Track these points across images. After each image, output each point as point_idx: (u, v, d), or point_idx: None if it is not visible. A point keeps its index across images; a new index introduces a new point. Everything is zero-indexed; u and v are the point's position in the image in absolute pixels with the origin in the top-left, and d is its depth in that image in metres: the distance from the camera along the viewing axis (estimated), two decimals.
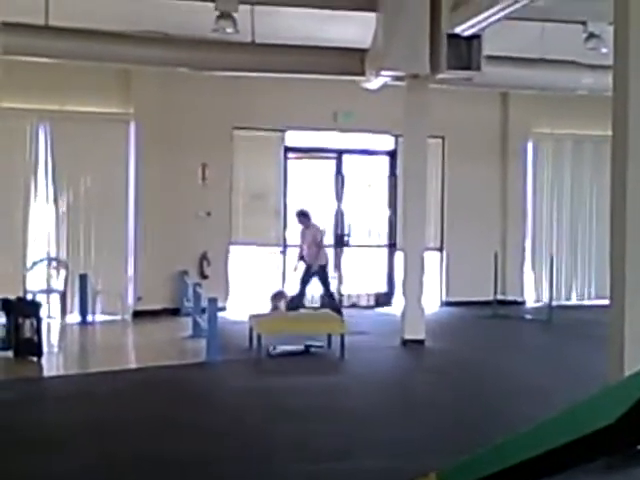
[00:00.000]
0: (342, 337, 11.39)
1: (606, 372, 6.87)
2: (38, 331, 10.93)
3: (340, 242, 16.60)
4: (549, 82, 14.10)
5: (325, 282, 14.52)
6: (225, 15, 11.60)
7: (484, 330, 14.32)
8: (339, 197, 16.61)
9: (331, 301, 14.59)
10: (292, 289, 14.74)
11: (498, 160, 17.21)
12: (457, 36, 11.12)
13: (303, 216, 14.48)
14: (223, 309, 14.31)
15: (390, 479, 5.86)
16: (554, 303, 15.48)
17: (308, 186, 16.61)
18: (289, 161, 16.30)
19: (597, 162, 16.89)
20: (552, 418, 4.29)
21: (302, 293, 14.45)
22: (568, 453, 4.19)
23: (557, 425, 4.22)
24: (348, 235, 16.63)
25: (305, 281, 14.39)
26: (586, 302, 17.31)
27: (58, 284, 14.57)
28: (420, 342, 12.22)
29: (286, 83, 14.33)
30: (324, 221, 16.56)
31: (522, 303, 17.01)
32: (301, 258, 14.43)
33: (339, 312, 13.61)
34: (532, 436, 4.44)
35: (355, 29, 12.87)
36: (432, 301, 15.81)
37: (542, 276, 17.20)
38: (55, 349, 12.36)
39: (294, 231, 16.12)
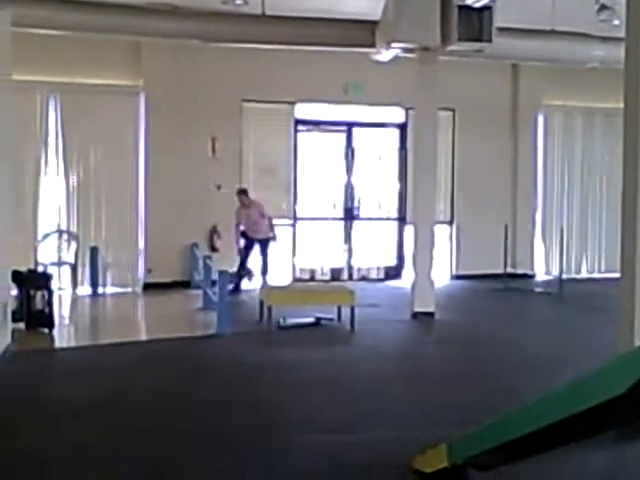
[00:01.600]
0: (352, 309, 11.42)
1: (616, 344, 6.88)
2: (49, 303, 11.00)
3: (350, 215, 16.60)
4: (560, 54, 14.04)
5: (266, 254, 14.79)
6: None
7: (494, 303, 14.34)
8: (349, 170, 16.59)
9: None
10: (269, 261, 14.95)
11: (508, 133, 17.16)
12: (468, 7, 11.07)
13: (244, 193, 14.74)
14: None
15: (401, 450, 5.89)
16: (564, 276, 15.49)
17: (318, 159, 16.58)
18: (299, 134, 16.27)
19: (608, 135, 16.86)
20: (562, 389, 4.31)
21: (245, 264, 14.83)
22: (578, 424, 4.21)
23: (567, 396, 4.24)
24: (358, 208, 16.63)
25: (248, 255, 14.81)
26: (596, 275, 17.32)
27: (69, 256, 14.63)
28: (430, 315, 12.25)
29: (296, 55, 14.28)
30: (334, 194, 16.59)
31: (532, 276, 17.02)
32: (243, 235, 14.75)
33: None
34: (542, 407, 4.47)
35: (366, 1, 12.81)
36: (442, 274, 15.82)
37: (552, 249, 17.21)
38: (66, 321, 12.43)
39: (303, 204, 16.20)
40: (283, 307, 11.69)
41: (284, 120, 16.00)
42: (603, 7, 12.21)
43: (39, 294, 10.98)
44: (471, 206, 16.63)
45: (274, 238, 14.81)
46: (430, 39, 11.65)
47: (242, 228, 14.64)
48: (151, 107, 14.80)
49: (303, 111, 16.15)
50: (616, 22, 11.70)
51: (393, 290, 15.27)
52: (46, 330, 10.89)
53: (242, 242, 14.70)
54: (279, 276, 15.43)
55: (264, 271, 14.65)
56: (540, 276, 17.13)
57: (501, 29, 11.74)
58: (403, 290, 14.03)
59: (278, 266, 15.67)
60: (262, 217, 14.62)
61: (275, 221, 15.04)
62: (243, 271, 14.69)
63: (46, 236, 14.63)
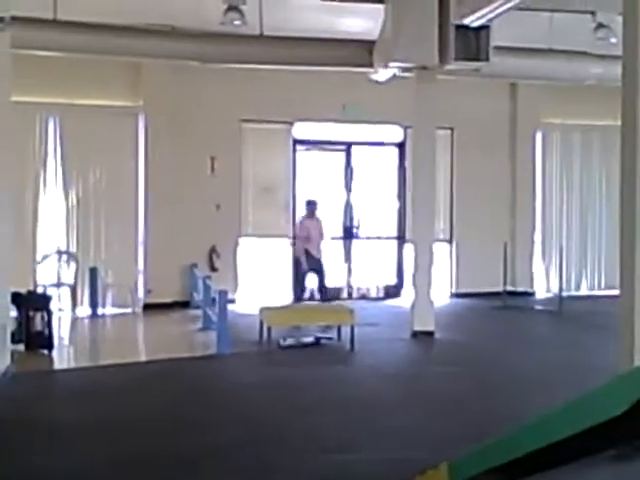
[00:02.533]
0: (352, 329, 11.41)
1: (616, 362, 6.87)
2: (49, 324, 10.99)
3: (349, 234, 16.60)
4: (558, 72, 14.08)
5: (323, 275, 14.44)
6: (233, 7, 11.64)
7: (494, 321, 14.32)
8: (348, 189, 16.61)
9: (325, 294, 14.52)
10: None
11: (507, 151, 17.19)
12: (465, 27, 11.12)
13: (313, 205, 14.47)
14: (233, 301, 14.31)
15: (400, 470, 5.85)
16: (564, 294, 15.47)
17: (317, 178, 16.60)
18: (297, 153, 16.30)
19: (606, 152, 16.86)
20: (563, 408, 4.30)
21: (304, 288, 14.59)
22: (578, 443, 4.20)
23: (567, 415, 4.23)
24: (357, 227, 16.63)
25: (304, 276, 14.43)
26: (596, 292, 17.28)
27: (68, 277, 14.61)
28: (430, 334, 12.23)
29: (294, 75, 14.33)
30: (333, 213, 16.60)
31: (532, 294, 17.01)
32: (306, 252, 14.26)
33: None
34: (542, 426, 4.46)
35: (363, 21, 12.87)
36: (442, 293, 15.80)
37: (552, 267, 17.20)
38: (66, 342, 12.41)
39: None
40: (283, 327, 11.68)
41: (283, 139, 16.03)
42: (600, 25, 12.26)
43: (38, 315, 10.97)
44: (470, 224, 16.63)
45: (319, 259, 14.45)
46: (428, 58, 11.68)
47: (305, 245, 14.25)
48: (150, 127, 14.83)
49: (302, 130, 16.19)
50: (613, 40, 11.76)
51: (393, 309, 15.27)
52: (45, 351, 10.87)
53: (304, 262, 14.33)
54: (279, 296, 15.41)
55: (321, 289, 14.44)
56: (540, 294, 17.11)
57: (498, 48, 11.78)
58: (403, 309, 14.02)
59: (277, 285, 15.68)
60: (320, 234, 14.39)
61: (273, 241, 15.12)
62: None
63: (45, 257, 14.62)
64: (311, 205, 14.33)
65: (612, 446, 4.79)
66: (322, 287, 14.44)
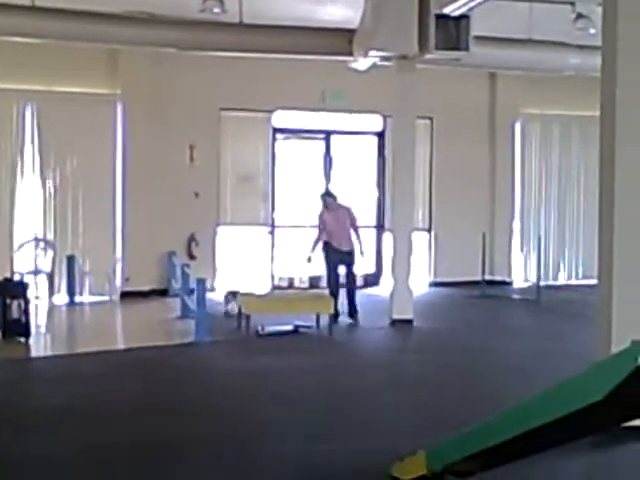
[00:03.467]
0: (330, 317, 11.41)
1: (594, 351, 6.91)
2: (26, 312, 10.92)
3: None
4: (537, 63, 14.11)
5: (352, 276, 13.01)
6: None
7: (472, 310, 14.36)
8: (327, 178, 16.59)
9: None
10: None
11: (486, 141, 17.22)
12: (445, 16, 11.12)
13: (325, 197, 13.30)
14: (211, 290, 14.29)
15: (379, 458, 5.87)
16: (542, 283, 15.56)
17: (296, 167, 16.58)
18: (277, 142, 16.27)
19: (585, 143, 16.95)
20: (540, 395, 4.33)
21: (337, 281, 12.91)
22: (555, 430, 4.23)
23: (545, 403, 4.26)
24: None
25: (334, 267, 12.87)
26: (574, 282, 17.38)
27: (45, 265, 14.54)
28: (409, 322, 12.25)
29: (274, 64, 14.27)
30: (312, 201, 16.57)
31: (510, 283, 17.08)
32: (326, 245, 12.88)
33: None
34: (520, 413, 4.48)
35: (343, 9, 12.85)
36: (420, 281, 15.83)
37: (530, 256, 17.27)
38: (43, 330, 12.35)
39: (281, 212, 16.18)
40: (261, 315, 11.67)
41: (262, 128, 15.99)
42: (580, 16, 12.29)
43: (15, 303, 10.90)
44: (449, 213, 16.67)
45: (361, 253, 12.99)
46: (408, 47, 11.68)
47: (325, 238, 12.89)
48: (129, 115, 14.75)
49: (281, 119, 16.15)
50: (592, 31, 11.79)
51: (371, 297, 15.26)
52: (22, 339, 10.81)
53: (323, 254, 12.94)
54: (257, 284, 15.40)
55: (350, 302, 12.76)
56: (518, 283, 17.19)
57: (478, 38, 11.79)
58: (381, 297, 14.03)
59: (256, 274, 15.67)
60: (349, 224, 12.89)
61: (252, 230, 14.92)
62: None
63: (23, 244, 14.54)
64: (323, 197, 13.25)
65: (589, 433, 4.83)
66: (350, 292, 12.86)
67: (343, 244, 12.71)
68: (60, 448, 6.42)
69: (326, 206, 13.07)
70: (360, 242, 12.85)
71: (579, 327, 11.37)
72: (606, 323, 6.84)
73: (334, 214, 12.87)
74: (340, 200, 13.28)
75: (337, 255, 12.72)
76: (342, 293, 12.69)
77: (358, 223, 13.03)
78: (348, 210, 13.06)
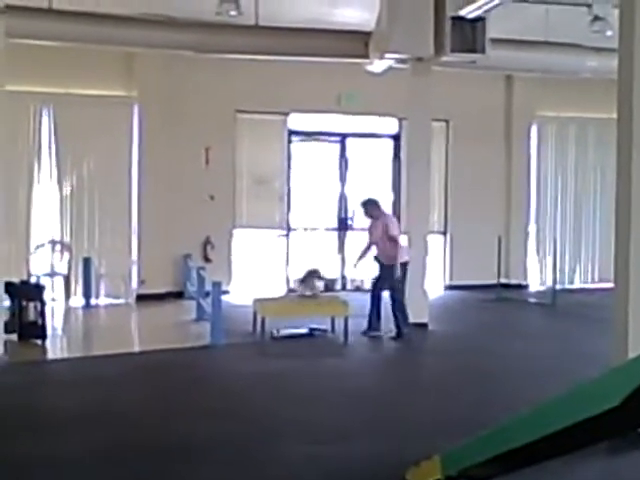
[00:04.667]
0: (346, 320, 11.40)
1: (610, 355, 6.88)
2: (42, 314, 10.96)
3: (344, 225, 16.59)
4: (553, 65, 14.07)
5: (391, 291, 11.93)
6: None
7: (488, 314, 14.32)
8: (343, 180, 16.59)
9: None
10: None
11: (502, 144, 17.16)
12: (461, 18, 11.11)
13: (363, 206, 12.18)
14: (226, 293, 14.29)
15: (395, 461, 5.86)
16: (558, 286, 15.48)
17: (312, 169, 16.58)
18: (292, 144, 16.28)
19: (601, 145, 16.87)
20: (555, 400, 4.30)
21: (376, 307, 12.02)
22: (571, 436, 4.20)
23: (561, 407, 4.23)
24: (352, 218, 16.60)
25: (378, 290, 12.06)
26: (590, 285, 17.30)
27: (62, 267, 14.58)
28: (424, 325, 12.22)
29: (289, 66, 14.29)
30: (328, 204, 16.58)
31: (526, 287, 17.01)
32: (376, 258, 11.99)
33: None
34: (535, 418, 4.46)
35: (359, 12, 12.84)
36: (436, 285, 15.79)
37: (546, 259, 17.20)
38: (59, 332, 12.38)
39: (297, 214, 16.19)
40: (277, 318, 11.67)
41: (278, 130, 15.99)
42: (596, 18, 12.24)
43: (32, 305, 10.94)
44: (465, 216, 16.62)
45: (397, 268, 11.63)
46: (423, 50, 11.67)
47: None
48: (145, 118, 14.77)
49: (297, 121, 16.15)
50: (609, 33, 11.73)
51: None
52: (39, 341, 10.85)
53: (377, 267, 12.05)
54: (272, 287, 15.40)
55: (395, 316, 11.76)
56: (534, 286, 17.12)
57: (494, 40, 11.77)
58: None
59: (271, 277, 15.69)
60: (386, 235, 11.72)
61: (267, 232, 14.84)
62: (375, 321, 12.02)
63: (39, 247, 14.58)
64: (362, 206, 12.21)
65: (606, 439, 4.79)
66: (394, 308, 11.84)
67: (380, 256, 11.90)
68: (74, 449, 6.45)
69: (367, 215, 12.14)
70: (397, 256, 11.64)
71: (595, 331, 11.31)
72: (622, 327, 6.81)
73: (373, 223, 11.99)
74: (383, 208, 12.31)
75: (380, 268, 11.99)
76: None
77: (393, 232, 11.73)
78: (377, 221, 11.91)
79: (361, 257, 12.21)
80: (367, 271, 13.21)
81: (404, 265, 11.78)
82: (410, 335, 11.56)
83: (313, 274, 12.34)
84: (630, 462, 6.33)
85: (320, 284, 12.31)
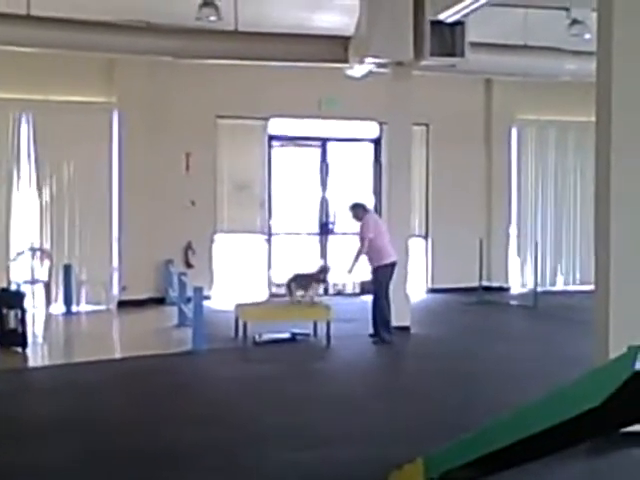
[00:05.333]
0: (328, 325, 11.40)
1: (592, 356, 6.90)
2: (22, 322, 10.89)
3: (325, 230, 16.60)
4: (532, 68, 14.13)
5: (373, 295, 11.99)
6: (208, 3, 11.59)
7: (470, 316, 14.36)
8: (324, 185, 16.60)
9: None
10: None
11: (482, 147, 17.22)
12: (441, 23, 11.11)
13: (354, 209, 12.12)
14: (208, 298, 14.28)
15: (377, 465, 5.86)
16: (539, 289, 15.53)
17: (293, 174, 16.58)
18: (273, 149, 16.28)
19: (581, 148, 16.97)
20: (537, 402, 4.31)
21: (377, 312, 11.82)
22: (553, 437, 4.21)
23: (542, 409, 4.24)
24: (333, 223, 16.62)
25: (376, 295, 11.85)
26: (571, 287, 17.37)
27: (42, 274, 14.51)
28: (406, 329, 12.23)
29: (269, 71, 14.30)
30: (309, 209, 16.58)
31: (507, 289, 17.06)
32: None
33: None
34: (517, 420, 4.47)
35: (339, 16, 12.86)
36: (418, 288, 15.83)
37: (527, 262, 17.26)
38: (40, 339, 12.30)
39: (278, 219, 16.19)
40: (259, 323, 11.65)
41: (258, 136, 16.00)
42: (575, 21, 12.31)
43: (12, 313, 10.88)
44: (446, 220, 16.66)
45: (376, 271, 11.74)
46: (403, 54, 11.70)
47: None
48: (125, 124, 14.74)
49: (277, 127, 16.15)
50: (587, 36, 11.81)
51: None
52: (19, 349, 10.77)
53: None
54: (254, 292, 15.39)
55: (374, 320, 11.79)
56: (515, 289, 17.18)
57: (474, 44, 11.82)
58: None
59: (253, 282, 15.68)
60: (361, 236, 11.82)
61: (248, 237, 14.80)
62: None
63: (19, 254, 14.51)
64: (350, 210, 12.22)
65: (587, 439, 4.81)
66: (373, 312, 11.87)
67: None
68: (56, 457, 6.41)
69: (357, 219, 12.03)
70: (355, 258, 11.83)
71: (577, 333, 11.36)
72: (603, 329, 6.83)
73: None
74: (367, 209, 12.29)
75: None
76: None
77: (364, 234, 11.74)
78: (363, 221, 11.89)
79: (354, 262, 11.94)
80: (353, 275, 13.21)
81: (387, 267, 11.73)
82: (392, 340, 11.56)
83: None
84: (612, 462, 6.35)
85: (317, 289, 12.19)
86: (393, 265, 11.78)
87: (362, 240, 11.73)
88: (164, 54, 13.17)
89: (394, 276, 11.79)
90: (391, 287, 11.76)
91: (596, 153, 7.16)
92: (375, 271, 11.77)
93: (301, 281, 11.98)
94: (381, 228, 11.99)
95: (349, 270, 12.00)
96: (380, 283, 11.74)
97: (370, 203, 16.46)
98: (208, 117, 15.39)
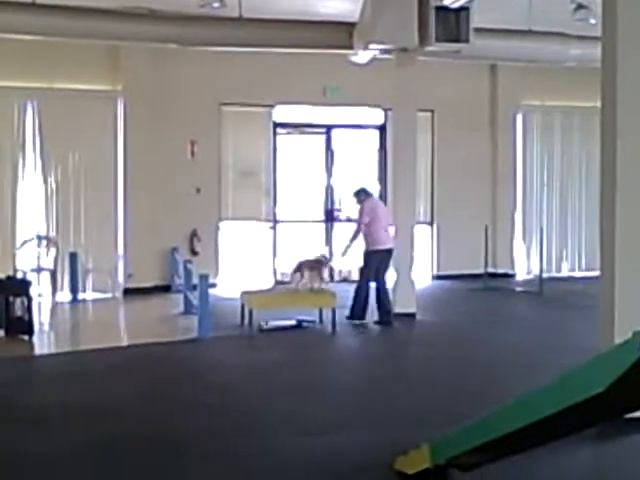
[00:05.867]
0: (333, 311, 11.41)
1: (597, 342, 6.90)
2: (29, 310, 10.90)
3: (330, 217, 16.59)
4: (537, 54, 14.08)
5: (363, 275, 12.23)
6: None
7: (475, 303, 14.35)
8: (329, 172, 16.59)
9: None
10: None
11: (488, 133, 17.19)
12: (445, 8, 11.10)
13: (357, 194, 12.43)
14: (214, 285, 14.30)
15: (383, 451, 5.88)
16: (545, 275, 15.54)
17: (298, 161, 16.57)
18: (278, 136, 16.26)
19: (586, 134, 16.92)
20: (543, 387, 4.32)
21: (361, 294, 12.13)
22: (558, 422, 4.22)
23: (548, 394, 4.25)
24: (339, 210, 16.62)
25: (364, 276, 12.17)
26: (577, 274, 17.36)
27: (48, 262, 14.52)
28: (411, 315, 12.25)
29: (274, 58, 14.27)
30: (314, 196, 16.57)
31: (513, 275, 17.06)
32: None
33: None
34: (523, 406, 4.47)
35: (343, 3, 12.82)
36: (423, 275, 15.84)
37: (532, 248, 17.24)
38: (46, 327, 12.33)
39: (283, 207, 16.20)
40: (264, 310, 11.66)
41: (263, 123, 15.97)
42: (579, 6, 12.26)
43: (18, 301, 10.89)
44: (451, 206, 16.66)
45: (366, 255, 12.09)
46: (408, 40, 11.66)
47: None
48: (130, 111, 14.73)
49: (282, 114, 16.13)
50: (592, 21, 11.76)
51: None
52: (26, 337, 10.80)
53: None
54: (260, 279, 15.39)
55: (353, 300, 12.16)
56: (521, 275, 17.17)
57: (478, 30, 11.77)
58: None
59: (259, 269, 15.70)
60: (357, 221, 12.26)
61: (254, 224, 14.80)
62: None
63: (25, 242, 14.53)
64: (354, 196, 12.50)
65: (593, 424, 4.81)
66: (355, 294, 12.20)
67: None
68: (62, 445, 6.43)
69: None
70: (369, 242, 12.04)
71: (582, 319, 11.36)
72: (609, 314, 6.83)
73: None
74: (369, 194, 12.53)
75: None
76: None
77: (360, 219, 12.11)
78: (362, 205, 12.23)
79: (348, 245, 12.22)
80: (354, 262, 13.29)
81: (378, 252, 11.97)
82: (364, 323, 11.78)
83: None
84: (618, 448, 6.36)
85: (326, 275, 12.36)
86: (387, 252, 12.07)
87: (357, 224, 12.07)
88: (168, 41, 13.14)
89: (391, 262, 12.13)
90: (389, 274, 12.11)
91: (601, 138, 7.14)
92: (365, 255, 12.08)
93: (307, 266, 12.04)
94: (379, 214, 12.19)
95: (343, 253, 12.27)
96: (367, 266, 12.04)
97: (375, 189, 16.51)
98: (213, 104, 15.38)
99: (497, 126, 17.21)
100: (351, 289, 12.42)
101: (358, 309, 12.02)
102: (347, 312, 12.06)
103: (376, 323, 11.95)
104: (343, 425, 6.99)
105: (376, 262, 12.01)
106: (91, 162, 14.81)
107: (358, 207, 12.27)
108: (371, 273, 12.03)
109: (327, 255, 12.52)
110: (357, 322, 11.93)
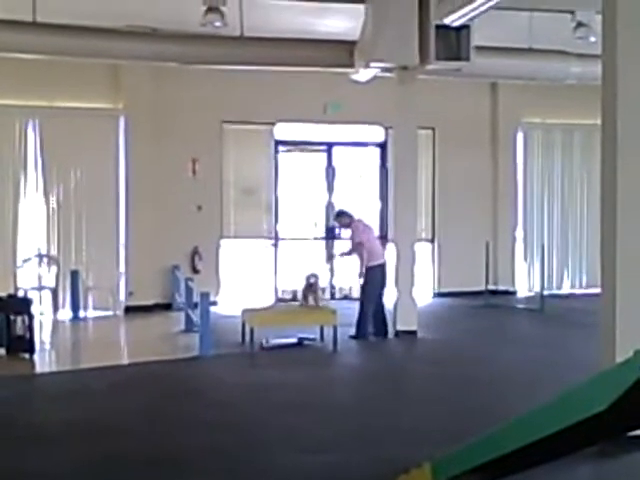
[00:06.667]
0: (335, 329, 11.40)
1: (598, 360, 6.89)
2: (30, 328, 10.90)
3: (331, 234, 16.59)
4: (538, 72, 14.11)
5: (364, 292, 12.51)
6: (213, 8, 11.61)
7: (476, 320, 14.33)
8: (330, 189, 16.60)
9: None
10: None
11: (488, 150, 17.21)
12: (446, 27, 11.11)
13: (339, 217, 13.01)
14: (215, 303, 14.29)
15: (384, 469, 5.85)
16: (546, 292, 15.53)
17: (299, 179, 16.60)
18: (279, 154, 16.29)
19: (587, 151, 16.96)
20: (544, 406, 4.31)
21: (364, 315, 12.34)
22: (561, 440, 4.20)
23: (549, 413, 4.23)
24: (339, 228, 16.60)
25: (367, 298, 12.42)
26: (578, 291, 17.34)
27: (49, 281, 14.53)
28: (412, 333, 12.23)
29: (275, 76, 14.31)
30: (315, 214, 16.58)
31: (514, 293, 17.05)
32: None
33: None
34: (524, 424, 4.46)
35: (344, 21, 12.86)
36: (424, 292, 15.83)
37: (534, 265, 17.23)
38: (47, 346, 12.33)
39: (284, 224, 16.21)
40: (265, 328, 11.65)
41: (264, 141, 16.01)
42: (580, 24, 12.29)
43: (19, 319, 10.89)
44: (452, 224, 16.66)
45: (365, 274, 12.36)
46: (408, 58, 11.69)
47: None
48: (131, 129, 14.77)
49: (283, 131, 16.16)
50: (592, 39, 11.79)
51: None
52: (27, 355, 10.79)
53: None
54: (261, 297, 15.38)
55: (358, 318, 12.33)
56: (522, 292, 17.16)
57: (479, 48, 11.81)
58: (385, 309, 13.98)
59: (260, 287, 15.68)
60: (357, 241, 12.50)
61: (255, 242, 14.84)
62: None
63: (26, 260, 14.54)
64: (335, 219, 13.13)
65: (594, 443, 4.79)
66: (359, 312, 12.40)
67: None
68: (64, 462, 6.42)
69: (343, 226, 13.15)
70: (364, 260, 12.35)
71: (583, 336, 11.34)
72: (610, 332, 6.82)
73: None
74: (353, 215, 12.85)
75: None
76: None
77: (357, 239, 12.50)
78: (352, 227, 12.72)
79: (362, 266, 12.43)
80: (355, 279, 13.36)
81: (377, 267, 12.28)
82: (390, 342, 11.91)
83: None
84: (620, 466, 6.34)
85: (321, 293, 12.60)
86: (383, 266, 12.43)
87: (359, 244, 12.38)
88: (169, 60, 13.17)
89: (387, 278, 12.46)
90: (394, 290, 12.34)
91: (602, 156, 7.15)
92: (367, 271, 12.32)
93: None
94: (370, 231, 12.80)
95: (360, 274, 12.50)
96: (369, 283, 12.33)
97: (376, 207, 16.55)
98: (214, 122, 15.42)
99: (498, 144, 17.24)
100: (352, 306, 12.41)
101: (364, 328, 12.11)
102: (352, 331, 12.03)
103: (373, 335, 12.13)
104: (343, 443, 6.98)
105: (378, 278, 12.29)
106: (92, 180, 14.83)
107: (345, 229, 12.87)
108: (375, 290, 12.25)
109: (316, 273, 12.53)
110: (360, 339, 12.00)
